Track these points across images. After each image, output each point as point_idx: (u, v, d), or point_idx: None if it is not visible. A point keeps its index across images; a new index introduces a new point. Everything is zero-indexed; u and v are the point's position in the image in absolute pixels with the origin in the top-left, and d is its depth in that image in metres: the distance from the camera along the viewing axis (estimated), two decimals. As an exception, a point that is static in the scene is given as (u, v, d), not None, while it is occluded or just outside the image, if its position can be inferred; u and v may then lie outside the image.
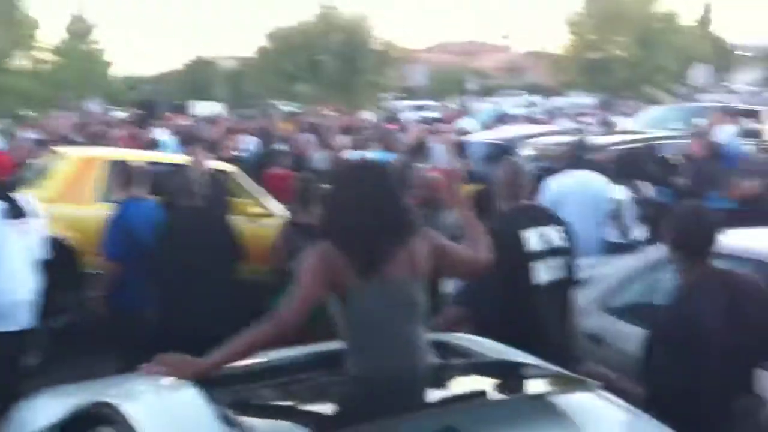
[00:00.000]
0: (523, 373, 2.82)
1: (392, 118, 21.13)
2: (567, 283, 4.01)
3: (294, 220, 5.40)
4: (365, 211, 2.72)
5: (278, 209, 7.84)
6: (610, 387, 3.31)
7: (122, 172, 5.81)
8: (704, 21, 53.98)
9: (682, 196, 7.36)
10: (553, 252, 3.92)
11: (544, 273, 3.88)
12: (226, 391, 2.49)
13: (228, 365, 2.67)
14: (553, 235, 3.96)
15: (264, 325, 2.65)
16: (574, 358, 3.87)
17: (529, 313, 3.86)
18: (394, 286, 2.70)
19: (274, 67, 30.75)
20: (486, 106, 37.76)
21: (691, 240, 3.24)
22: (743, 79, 70.70)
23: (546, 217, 4.11)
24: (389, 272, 2.69)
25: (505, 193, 4.10)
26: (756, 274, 3.53)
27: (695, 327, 3.09)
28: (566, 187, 6.58)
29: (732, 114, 11.91)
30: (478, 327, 3.74)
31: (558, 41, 37.87)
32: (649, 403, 3.13)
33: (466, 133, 14.32)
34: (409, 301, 2.74)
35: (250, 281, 5.59)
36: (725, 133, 9.66)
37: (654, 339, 3.30)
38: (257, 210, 7.83)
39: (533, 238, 3.89)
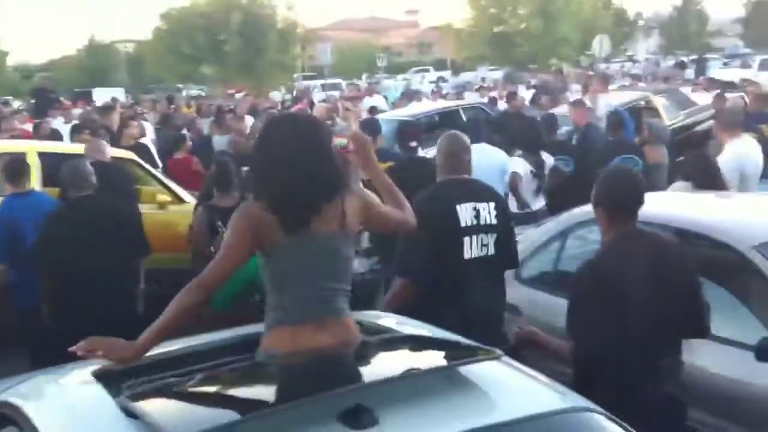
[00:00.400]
0: (430, 346, 2.83)
1: (300, 97, 20.93)
2: (497, 260, 4.00)
3: (213, 203, 5.37)
4: (296, 165, 2.64)
5: (186, 195, 7.64)
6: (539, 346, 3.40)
7: (6, 165, 5.54)
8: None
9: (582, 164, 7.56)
10: (484, 228, 3.94)
11: (475, 248, 3.90)
12: (135, 383, 2.41)
13: (154, 345, 2.61)
14: (487, 212, 3.96)
15: (187, 288, 2.62)
16: (502, 334, 3.88)
17: (459, 286, 3.88)
18: (321, 241, 2.65)
19: (172, 49, 29.85)
20: (395, 83, 38.00)
21: (617, 198, 3.30)
22: (644, 48, 73.30)
23: (482, 192, 4.09)
24: (317, 228, 2.64)
25: (443, 166, 4.11)
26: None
27: (618, 283, 3.12)
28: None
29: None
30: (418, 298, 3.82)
31: (463, 16, 38.04)
32: (577, 361, 3.21)
33: (376, 110, 14.33)
34: (336, 257, 2.71)
35: (173, 270, 5.48)
36: (603, 102, 9.84)
37: (577, 296, 3.31)
38: (165, 197, 7.60)
39: (467, 213, 3.90)
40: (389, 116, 12.16)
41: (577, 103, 9.32)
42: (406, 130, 6.74)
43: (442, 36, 45.15)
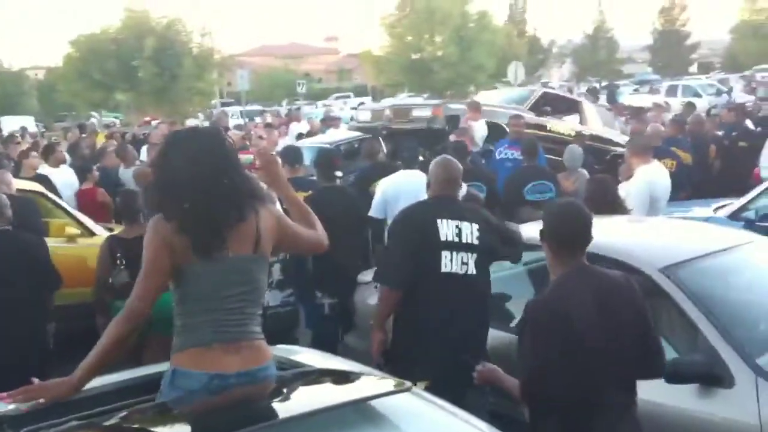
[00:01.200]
0: (343, 380, 2.80)
1: (215, 124, 20.65)
2: (475, 280, 4.10)
3: (118, 235, 5.30)
4: (200, 183, 2.52)
5: (96, 228, 7.41)
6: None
7: None
8: (519, 21, 56.87)
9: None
10: (465, 246, 4.06)
11: (454, 264, 4.03)
12: (31, 429, 2.32)
13: (92, 378, 2.57)
14: (468, 231, 4.09)
15: (117, 317, 2.54)
16: (478, 352, 3.98)
17: (435, 298, 4.03)
18: (233, 263, 2.56)
19: (83, 76, 29.10)
20: (315, 110, 37.97)
21: (563, 233, 3.21)
22: (558, 75, 75.38)
23: (467, 212, 4.22)
24: (229, 250, 2.55)
25: (434, 188, 4.29)
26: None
27: (566, 322, 3.05)
28: (399, 185, 6.68)
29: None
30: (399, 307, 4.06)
31: (381, 43, 38.37)
32: (528, 399, 3.15)
33: (303, 137, 14.34)
34: (249, 280, 2.61)
35: (84, 305, 5.39)
36: (478, 131, 10.07)
37: (526, 334, 3.21)
38: (74, 230, 7.33)
39: (448, 229, 4.05)
40: (308, 143, 12.12)
41: (461, 131, 9.48)
42: (325, 159, 6.67)
43: (361, 63, 45.41)
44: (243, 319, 2.60)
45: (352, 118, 22.31)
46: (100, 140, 14.24)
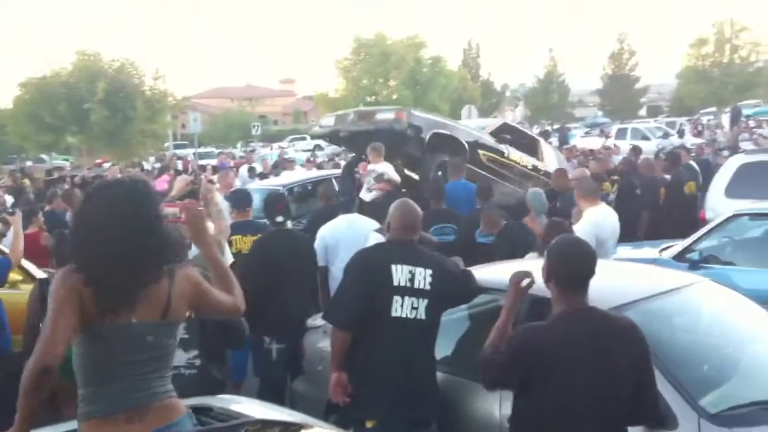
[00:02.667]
0: (278, 429, 2.79)
1: (166, 167, 20.48)
2: (424, 324, 4.14)
3: (51, 278, 5.06)
4: (115, 238, 2.45)
5: (39, 273, 7.22)
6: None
7: None
8: (473, 65, 57.74)
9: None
10: (417, 292, 4.10)
11: (405, 309, 4.07)
12: None
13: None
14: (421, 277, 4.12)
15: (26, 368, 2.43)
16: (432, 401, 4.07)
17: (384, 343, 4.08)
18: (138, 330, 2.47)
19: (33, 118, 28.72)
20: (270, 152, 37.93)
21: (564, 272, 3.23)
22: (511, 118, 76.57)
23: (422, 257, 4.25)
24: (135, 314, 2.47)
25: (393, 231, 4.34)
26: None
27: (556, 362, 3.06)
28: (338, 232, 6.70)
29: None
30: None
31: (336, 86, 38.62)
32: None
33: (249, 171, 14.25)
34: (154, 347, 2.52)
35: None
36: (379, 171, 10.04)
37: (502, 357, 3.21)
38: (15, 276, 7.14)
39: (402, 274, 4.10)
40: (260, 186, 12.08)
41: (379, 177, 9.56)
42: (273, 202, 6.61)
43: (317, 105, 45.59)
44: (148, 384, 2.53)
45: (308, 159, 22.35)
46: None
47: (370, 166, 9.80)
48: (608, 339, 3.13)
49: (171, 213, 2.97)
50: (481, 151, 11.28)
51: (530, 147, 13.17)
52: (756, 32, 46.59)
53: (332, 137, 11.97)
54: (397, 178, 9.58)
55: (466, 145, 10.92)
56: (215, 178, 10.91)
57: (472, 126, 12.97)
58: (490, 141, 11.73)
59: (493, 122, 13.33)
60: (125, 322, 2.44)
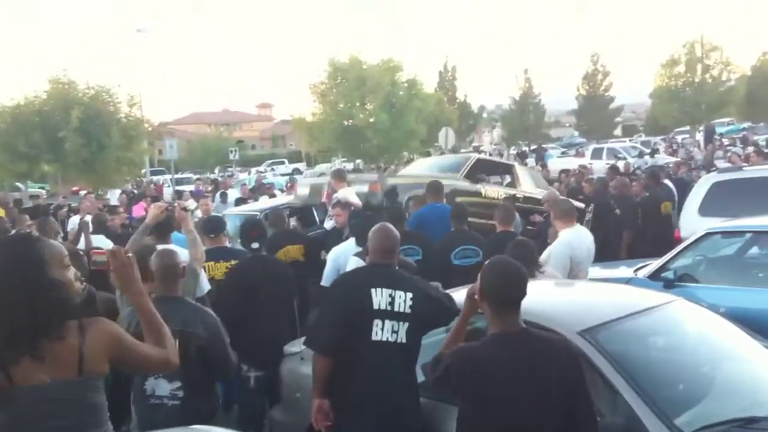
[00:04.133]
0: None
1: (142, 194, 20.40)
2: (405, 348, 4.16)
3: None
4: (6, 295, 2.36)
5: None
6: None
7: None
8: (449, 88, 58.15)
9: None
10: (397, 315, 4.11)
11: (385, 332, 4.09)
12: None
13: None
14: (401, 300, 4.14)
15: None
16: (408, 424, 4.09)
17: (365, 367, 4.09)
18: (45, 391, 2.35)
19: (6, 148, 28.46)
20: (248, 176, 37.87)
21: (495, 293, 3.31)
22: (488, 139, 77.10)
23: (402, 281, 4.27)
24: (41, 373, 2.35)
25: (372, 254, 4.39)
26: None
27: (489, 381, 3.11)
28: (348, 254, 6.68)
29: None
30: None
31: (314, 110, 38.64)
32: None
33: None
34: (74, 407, 2.41)
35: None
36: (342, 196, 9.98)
37: (445, 379, 3.28)
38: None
39: (382, 297, 4.12)
40: (236, 211, 12.03)
41: (335, 204, 9.43)
42: (248, 228, 6.59)
43: (294, 129, 45.60)
44: None
45: (287, 185, 22.35)
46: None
47: (334, 195, 9.75)
48: (541, 359, 3.20)
49: (99, 261, 2.90)
50: (458, 198, 11.32)
51: (505, 173, 13.49)
52: (726, 52, 47.34)
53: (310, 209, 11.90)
54: (357, 202, 9.43)
55: (444, 199, 10.96)
56: (189, 204, 10.81)
57: (446, 167, 13.05)
58: (466, 185, 11.87)
59: (467, 160, 13.33)
60: (29, 381, 2.32)
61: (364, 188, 10.77)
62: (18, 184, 32.79)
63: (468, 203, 11.28)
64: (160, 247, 5.80)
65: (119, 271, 2.78)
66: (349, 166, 45.69)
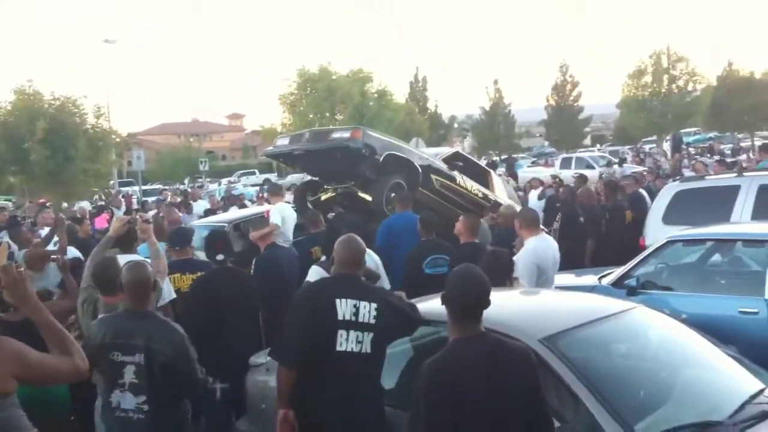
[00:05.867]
0: None
1: (104, 206, 20.22)
2: (369, 358, 4.16)
3: (5, 318, 5.18)
4: None
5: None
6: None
7: None
8: (420, 98, 58.30)
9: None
10: (361, 326, 4.12)
11: (350, 343, 4.09)
12: None
13: None
14: (366, 310, 4.15)
15: None
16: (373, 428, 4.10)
17: (329, 377, 4.09)
18: None
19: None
20: (218, 187, 37.73)
21: (461, 299, 3.38)
22: (459, 149, 77.34)
23: (366, 291, 4.29)
24: None
25: (337, 265, 4.39)
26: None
27: (452, 386, 3.17)
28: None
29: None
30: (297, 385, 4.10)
31: (283, 120, 38.55)
32: None
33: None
34: None
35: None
36: (276, 210, 9.70)
37: (416, 398, 3.32)
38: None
39: (346, 308, 4.13)
40: (205, 222, 11.95)
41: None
42: (213, 240, 6.56)
43: (264, 139, 45.50)
44: None
45: (259, 195, 22.27)
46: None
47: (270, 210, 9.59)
48: (501, 363, 3.28)
49: None
50: (433, 176, 11.32)
51: (481, 177, 13.34)
52: (692, 62, 48.07)
53: (286, 157, 11.74)
54: (276, 222, 8.97)
55: (419, 169, 10.98)
56: (150, 216, 10.71)
57: (426, 152, 13.04)
58: (443, 167, 11.77)
59: (446, 150, 13.40)
60: None
61: (346, 134, 10.64)
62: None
63: (441, 186, 11.37)
64: (124, 258, 5.80)
65: (11, 287, 2.73)
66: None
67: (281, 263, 7.55)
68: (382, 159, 10.46)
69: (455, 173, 12.00)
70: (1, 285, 2.76)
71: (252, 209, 14.71)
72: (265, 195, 10.02)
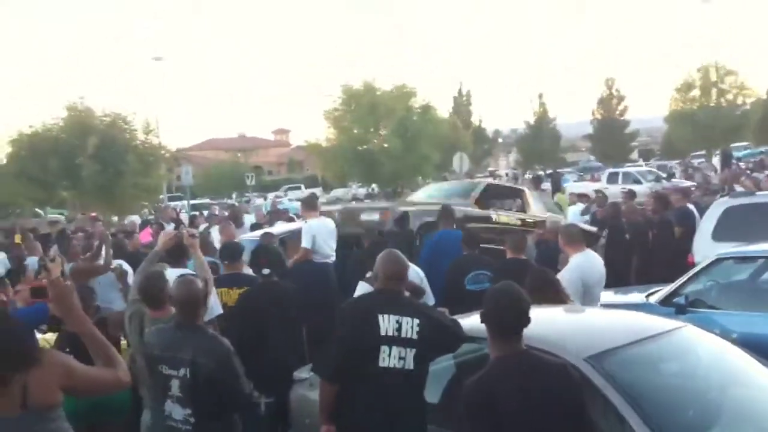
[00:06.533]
0: None
1: (148, 222, 20.51)
2: (412, 374, 4.14)
3: (69, 330, 5.10)
4: None
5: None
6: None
7: None
8: (464, 112, 58.26)
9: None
10: (404, 341, 4.10)
11: (392, 359, 4.08)
12: None
13: None
14: (409, 326, 4.13)
15: None
16: None
17: (372, 393, 4.05)
18: None
19: (25, 175, 28.80)
20: (265, 202, 38.05)
21: (501, 317, 3.37)
22: (504, 164, 77.06)
23: (409, 307, 4.28)
24: None
25: (380, 280, 4.36)
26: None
27: (496, 404, 3.16)
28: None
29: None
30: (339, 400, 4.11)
31: (329, 135, 38.81)
32: None
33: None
34: None
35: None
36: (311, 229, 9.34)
37: (463, 413, 3.31)
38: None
39: (389, 323, 4.10)
40: (251, 237, 12.04)
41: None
42: (259, 254, 6.63)
43: (309, 155, 45.83)
44: None
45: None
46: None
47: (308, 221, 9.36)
48: (537, 375, 3.27)
49: (35, 291, 2.87)
50: (470, 225, 11.30)
51: (516, 198, 13.60)
52: (741, 76, 47.22)
53: None
54: (307, 245, 8.84)
55: (455, 225, 10.96)
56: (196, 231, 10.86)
57: (456, 192, 13.07)
58: (477, 212, 11.87)
59: (477, 186, 13.36)
60: None
61: (376, 216, 10.72)
62: (37, 210, 33.16)
63: (479, 229, 11.32)
64: (173, 272, 5.89)
65: (59, 300, 2.79)
66: (363, 191, 45.89)
67: (305, 280, 7.48)
68: (416, 229, 10.48)
69: (490, 212, 12.11)
70: (48, 299, 2.81)
71: (298, 223, 14.82)
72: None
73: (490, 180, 16.18)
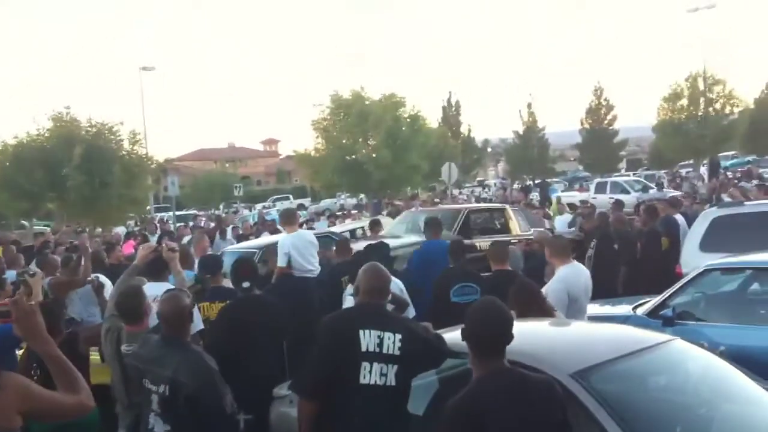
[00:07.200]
0: None
1: (132, 234, 20.42)
2: (394, 391, 4.04)
3: None
4: None
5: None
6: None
7: None
8: (453, 122, 58.30)
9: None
10: (385, 357, 4.00)
11: (374, 375, 3.98)
12: None
13: None
14: (390, 342, 4.03)
15: None
16: None
17: (353, 411, 3.96)
18: None
19: (9, 185, 28.61)
20: (252, 213, 37.96)
21: (476, 336, 3.30)
22: (492, 173, 77.21)
23: (390, 322, 4.17)
24: None
25: (362, 293, 4.29)
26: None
27: (480, 424, 3.09)
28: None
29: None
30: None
31: (317, 146, 38.68)
32: None
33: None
34: None
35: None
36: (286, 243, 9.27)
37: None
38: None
39: (370, 339, 4.00)
40: (234, 249, 11.95)
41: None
42: (239, 267, 6.48)
43: (298, 165, 45.69)
44: None
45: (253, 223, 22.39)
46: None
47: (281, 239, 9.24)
48: (524, 394, 3.20)
49: (1, 311, 2.79)
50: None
51: (498, 218, 13.92)
52: (729, 85, 47.40)
53: None
54: (281, 264, 8.76)
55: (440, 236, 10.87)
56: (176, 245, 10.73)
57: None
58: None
59: (458, 215, 13.38)
60: None
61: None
62: (23, 221, 32.94)
63: (466, 261, 11.26)
64: (154, 286, 5.78)
65: (22, 321, 2.70)
66: (352, 201, 45.81)
67: (283, 294, 7.27)
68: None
69: (474, 241, 12.20)
70: (10, 319, 2.71)
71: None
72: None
73: (467, 206, 16.24)
